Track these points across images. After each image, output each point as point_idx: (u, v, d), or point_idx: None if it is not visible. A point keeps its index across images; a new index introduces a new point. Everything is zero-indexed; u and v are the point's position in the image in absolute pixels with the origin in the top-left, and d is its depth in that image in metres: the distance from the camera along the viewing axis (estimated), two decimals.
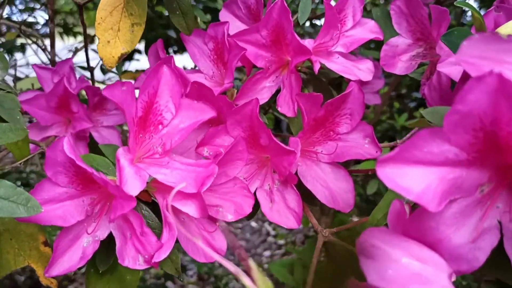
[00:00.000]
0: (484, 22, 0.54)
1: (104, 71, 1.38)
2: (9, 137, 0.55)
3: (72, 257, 0.58)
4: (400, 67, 0.79)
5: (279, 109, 0.72)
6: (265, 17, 0.69)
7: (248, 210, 0.61)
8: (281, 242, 3.12)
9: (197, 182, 0.56)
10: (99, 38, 0.72)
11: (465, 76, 0.56)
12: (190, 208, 0.57)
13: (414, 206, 0.47)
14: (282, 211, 0.64)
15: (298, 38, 0.67)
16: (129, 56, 1.96)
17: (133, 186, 0.54)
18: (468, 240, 0.38)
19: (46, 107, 0.91)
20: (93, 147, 0.96)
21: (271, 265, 2.17)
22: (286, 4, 0.67)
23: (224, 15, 0.82)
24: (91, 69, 1.15)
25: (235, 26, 0.80)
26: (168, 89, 0.60)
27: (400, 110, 2.33)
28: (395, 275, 0.38)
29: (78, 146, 0.94)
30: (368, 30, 0.75)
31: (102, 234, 0.59)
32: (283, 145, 0.59)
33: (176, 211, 0.58)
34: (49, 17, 1.10)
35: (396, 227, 0.42)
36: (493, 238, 0.37)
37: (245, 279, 0.29)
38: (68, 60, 0.94)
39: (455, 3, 0.55)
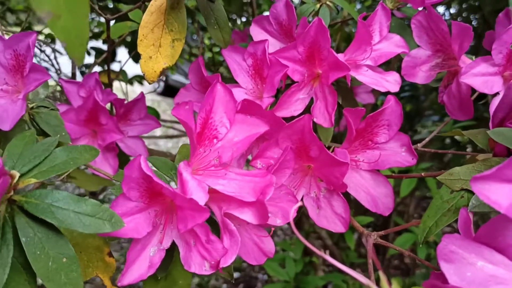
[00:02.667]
0: None
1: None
2: (86, 158, 0.58)
3: (141, 266, 0.61)
4: (421, 76, 0.85)
5: (315, 119, 0.77)
6: (303, 34, 0.74)
7: (293, 214, 0.66)
8: None
9: (255, 191, 0.60)
10: (141, 54, 0.75)
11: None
12: (247, 215, 0.62)
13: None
14: (330, 217, 0.70)
15: (335, 54, 0.72)
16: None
17: (199, 198, 0.58)
18: None
19: (76, 120, 0.93)
20: (120, 157, 0.99)
21: None
22: (323, 23, 0.72)
23: (254, 30, 0.86)
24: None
25: None
26: (222, 105, 0.64)
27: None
28: (474, 277, 0.44)
29: (107, 157, 0.96)
30: (394, 44, 0.81)
31: (167, 243, 0.63)
32: (336, 157, 0.63)
33: (230, 218, 0.63)
34: None
35: (466, 232, 0.48)
36: None
37: None
38: (94, 73, 0.96)
39: None
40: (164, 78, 5.29)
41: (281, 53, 0.75)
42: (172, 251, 0.66)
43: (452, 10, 2.36)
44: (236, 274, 2.82)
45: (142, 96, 1.01)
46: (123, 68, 1.55)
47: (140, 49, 0.75)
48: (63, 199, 0.53)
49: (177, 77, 5.74)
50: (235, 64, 0.79)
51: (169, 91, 5.87)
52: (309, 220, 2.32)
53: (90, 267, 0.64)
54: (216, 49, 2.31)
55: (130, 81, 1.94)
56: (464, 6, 1.92)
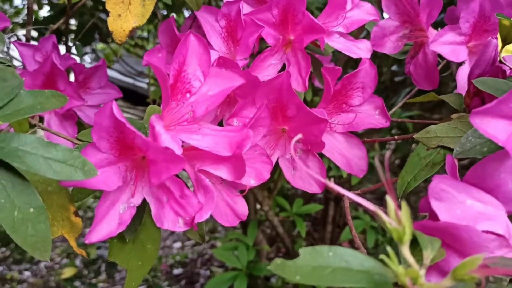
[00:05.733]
0: None
1: None
2: (53, 103, 0.54)
3: (110, 224, 0.57)
4: (389, 47, 0.86)
5: None
6: None
7: (267, 175, 0.64)
8: None
9: (231, 146, 0.58)
10: (109, 12, 0.71)
11: None
12: (222, 172, 0.60)
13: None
14: (305, 178, 0.69)
15: (311, 16, 0.71)
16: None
17: (174, 148, 0.54)
18: None
19: (32, 85, 0.87)
20: (80, 126, 0.93)
21: (215, 250, 2.20)
22: None
23: None
24: None
25: None
26: (196, 58, 0.61)
27: None
28: (463, 214, 0.44)
29: (65, 126, 0.91)
30: (366, 12, 0.81)
31: (137, 200, 0.59)
32: (315, 113, 0.63)
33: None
34: None
35: (453, 176, 0.49)
36: None
37: (384, 216, 0.33)
38: (51, 36, 0.90)
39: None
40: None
41: (255, 14, 0.74)
42: (142, 211, 0.63)
43: None
44: (178, 270, 2.77)
45: (103, 62, 0.96)
46: (77, 43, 1.47)
47: (108, 6, 0.71)
48: (31, 143, 0.49)
49: (111, 73, 5.39)
50: (208, 26, 0.76)
51: None
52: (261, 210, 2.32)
53: (55, 226, 0.59)
54: None
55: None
56: None
